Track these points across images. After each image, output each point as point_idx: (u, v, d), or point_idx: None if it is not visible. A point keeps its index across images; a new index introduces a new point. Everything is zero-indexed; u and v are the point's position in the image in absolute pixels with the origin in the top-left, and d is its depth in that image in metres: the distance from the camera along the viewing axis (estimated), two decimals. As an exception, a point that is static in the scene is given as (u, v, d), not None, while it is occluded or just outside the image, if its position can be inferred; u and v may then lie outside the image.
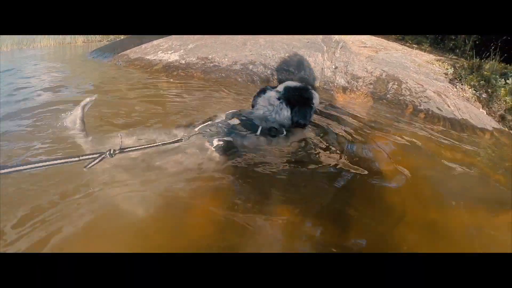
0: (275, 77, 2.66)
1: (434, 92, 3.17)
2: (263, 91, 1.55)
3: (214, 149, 1.29)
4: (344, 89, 2.91)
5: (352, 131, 1.90)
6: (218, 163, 1.25)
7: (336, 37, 3.54)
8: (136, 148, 1.17)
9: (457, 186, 1.57)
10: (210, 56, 2.83)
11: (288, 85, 1.53)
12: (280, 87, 1.54)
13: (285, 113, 1.47)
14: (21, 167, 0.92)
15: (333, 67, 3.08)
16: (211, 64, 2.73)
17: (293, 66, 2.78)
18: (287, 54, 2.84)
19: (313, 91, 1.56)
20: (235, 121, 1.41)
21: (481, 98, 4.00)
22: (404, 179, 1.44)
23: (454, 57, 5.41)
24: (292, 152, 1.44)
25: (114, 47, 3.87)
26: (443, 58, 4.84)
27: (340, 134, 1.80)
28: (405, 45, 6.04)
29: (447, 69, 4.17)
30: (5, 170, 0.90)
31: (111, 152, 1.08)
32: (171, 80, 2.53)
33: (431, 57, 4.77)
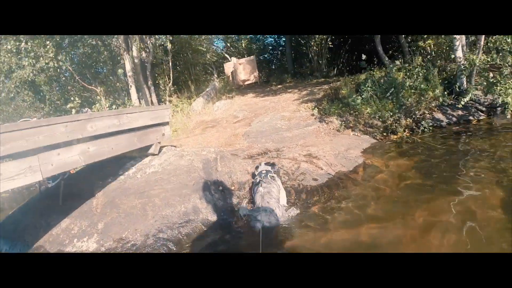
0: (183, 232, 3.34)
1: (306, 161, 3.85)
2: (257, 167, 3.55)
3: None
4: (234, 206, 3.78)
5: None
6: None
7: (213, 154, 4.19)
8: None
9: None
10: (123, 235, 3.35)
11: (266, 162, 3.57)
12: (263, 163, 3.52)
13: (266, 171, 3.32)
14: None
15: (220, 190, 3.88)
16: (129, 245, 3.28)
17: (191, 214, 3.46)
18: (183, 205, 3.48)
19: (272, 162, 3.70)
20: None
21: (347, 122, 4.64)
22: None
23: (313, 81, 6.40)
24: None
25: (20, 229, 3.88)
26: (305, 93, 5.73)
27: None
28: (269, 92, 6.60)
29: (312, 109, 5.00)
30: None
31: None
32: None
33: (295, 96, 5.65)
